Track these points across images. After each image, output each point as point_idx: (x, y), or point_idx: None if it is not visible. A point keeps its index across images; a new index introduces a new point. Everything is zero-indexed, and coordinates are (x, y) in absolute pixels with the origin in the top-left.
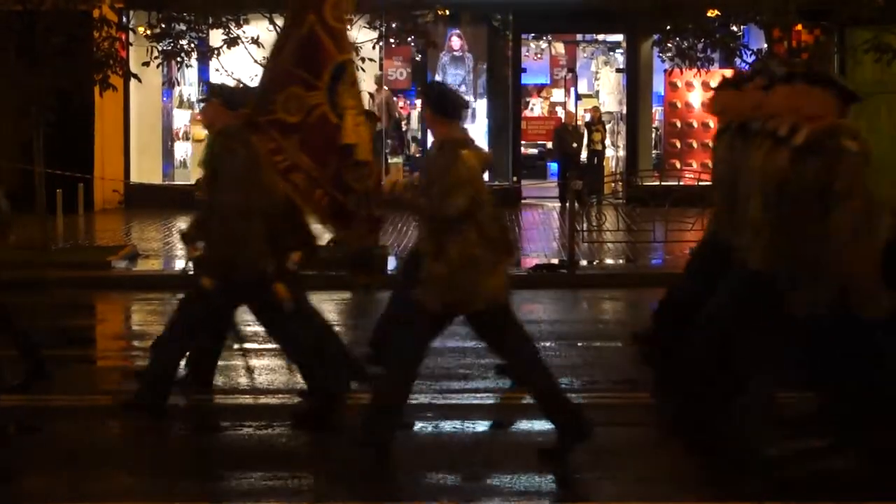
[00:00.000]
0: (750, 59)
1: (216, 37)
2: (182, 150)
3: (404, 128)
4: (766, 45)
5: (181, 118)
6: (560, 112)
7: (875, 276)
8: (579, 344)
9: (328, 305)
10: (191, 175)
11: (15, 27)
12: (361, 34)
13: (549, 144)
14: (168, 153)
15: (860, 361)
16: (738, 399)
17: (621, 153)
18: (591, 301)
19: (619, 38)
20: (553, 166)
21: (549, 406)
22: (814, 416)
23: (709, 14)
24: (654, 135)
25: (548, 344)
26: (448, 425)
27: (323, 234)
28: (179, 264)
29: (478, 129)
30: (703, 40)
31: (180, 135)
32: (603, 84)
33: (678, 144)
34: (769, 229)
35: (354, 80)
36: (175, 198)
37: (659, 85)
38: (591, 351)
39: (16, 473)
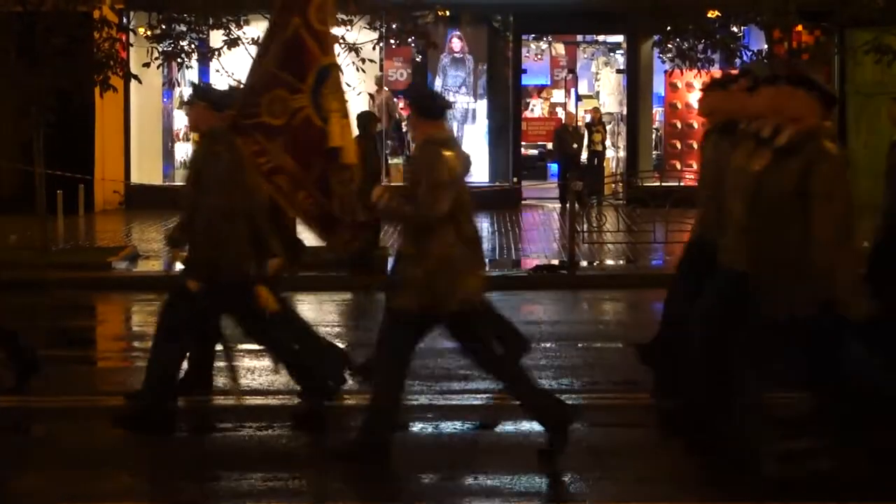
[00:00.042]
0: (750, 60)
1: (216, 38)
2: (182, 150)
3: (404, 128)
4: (766, 46)
5: (181, 119)
6: (560, 113)
7: (858, 277)
8: (580, 345)
9: (328, 306)
10: None
11: (15, 28)
12: (362, 35)
13: (550, 145)
14: (168, 154)
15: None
16: (738, 399)
17: (621, 154)
18: (591, 302)
19: (619, 38)
20: (553, 167)
21: (524, 402)
22: (813, 416)
23: (709, 15)
24: (654, 136)
25: (548, 345)
26: (448, 426)
27: (307, 236)
28: (179, 265)
29: (478, 130)
30: (703, 41)
31: (180, 136)
32: (603, 85)
33: (678, 145)
34: (751, 230)
35: (339, 84)
36: (175, 199)
37: (659, 86)
38: (592, 352)
39: (16, 473)
